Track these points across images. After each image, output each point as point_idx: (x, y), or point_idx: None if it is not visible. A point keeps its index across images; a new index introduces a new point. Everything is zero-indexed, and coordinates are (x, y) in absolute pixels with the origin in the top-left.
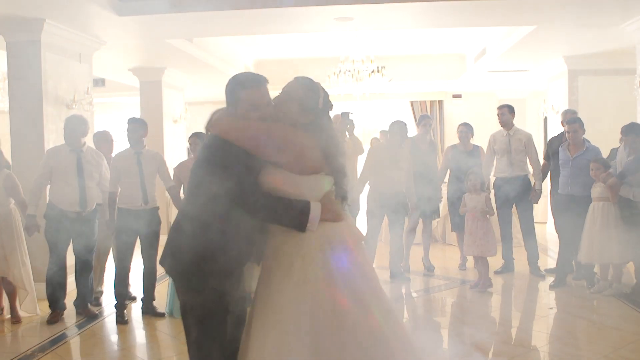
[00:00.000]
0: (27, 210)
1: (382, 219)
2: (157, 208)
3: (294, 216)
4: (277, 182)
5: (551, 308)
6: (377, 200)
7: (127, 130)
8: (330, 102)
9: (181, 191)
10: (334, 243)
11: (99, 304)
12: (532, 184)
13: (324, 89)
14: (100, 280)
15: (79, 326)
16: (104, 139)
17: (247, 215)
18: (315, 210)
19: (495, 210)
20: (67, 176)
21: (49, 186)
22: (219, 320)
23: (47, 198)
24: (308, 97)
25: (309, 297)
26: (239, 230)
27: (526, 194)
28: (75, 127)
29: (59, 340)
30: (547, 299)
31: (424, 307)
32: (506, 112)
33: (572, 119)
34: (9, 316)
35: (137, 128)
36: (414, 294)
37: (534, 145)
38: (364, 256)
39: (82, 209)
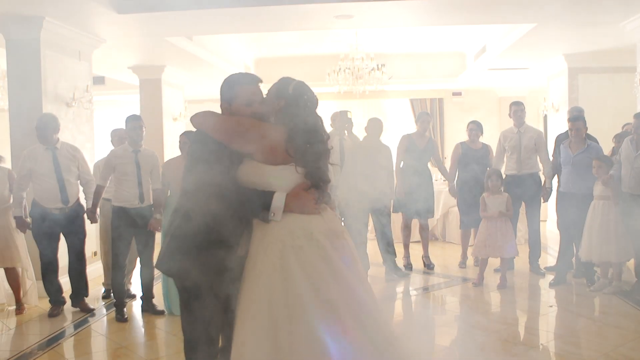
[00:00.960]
0: (13, 212)
1: (366, 218)
2: (152, 205)
3: (256, 207)
4: (247, 173)
5: (551, 306)
6: (358, 199)
7: (133, 128)
8: (307, 94)
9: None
10: (296, 234)
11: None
12: (543, 182)
13: (301, 83)
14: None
15: (79, 324)
16: (118, 137)
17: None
18: (278, 201)
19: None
20: (46, 174)
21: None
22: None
23: (32, 197)
24: (281, 84)
25: (264, 289)
26: (227, 221)
27: (536, 192)
28: (46, 125)
29: (59, 338)
30: (547, 296)
31: (424, 304)
32: (523, 109)
33: (574, 117)
34: (10, 308)
35: (142, 126)
36: (414, 292)
37: (544, 142)
38: (343, 252)
39: (64, 204)
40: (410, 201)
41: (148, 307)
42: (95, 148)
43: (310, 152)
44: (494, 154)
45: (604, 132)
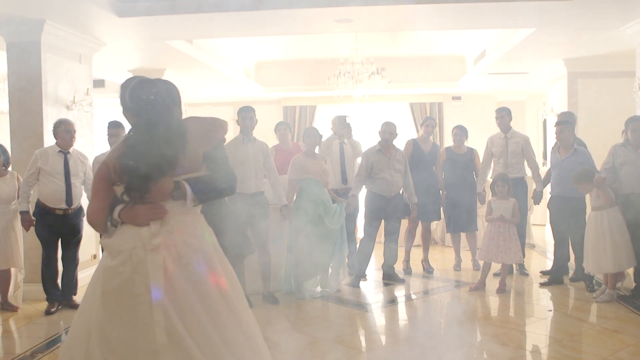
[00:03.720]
0: (19, 208)
1: (379, 222)
2: None
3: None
4: None
5: (550, 310)
6: (374, 203)
7: (110, 135)
8: (128, 94)
9: None
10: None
11: None
12: (534, 187)
13: (138, 81)
14: None
15: None
16: None
17: None
18: (114, 212)
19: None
20: (55, 176)
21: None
22: None
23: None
24: None
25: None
26: None
27: (522, 196)
28: (68, 128)
29: (59, 340)
30: (546, 301)
31: (423, 309)
32: (505, 115)
33: (560, 121)
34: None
35: (121, 132)
36: (413, 296)
37: (531, 147)
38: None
39: (68, 206)
40: (418, 204)
41: None
42: (95, 151)
43: (123, 166)
44: (482, 159)
45: (603, 136)
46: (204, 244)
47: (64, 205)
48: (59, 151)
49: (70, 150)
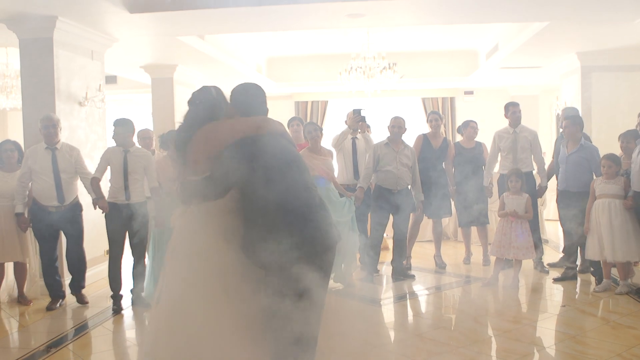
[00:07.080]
0: (14, 209)
1: (387, 216)
2: (144, 202)
3: None
4: None
5: (564, 306)
6: (380, 196)
7: (113, 132)
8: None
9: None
10: None
11: None
12: (539, 181)
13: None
14: None
15: (91, 322)
16: (147, 136)
17: None
18: None
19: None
20: (44, 174)
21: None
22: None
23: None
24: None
25: None
26: None
27: (531, 190)
28: (45, 124)
29: (73, 335)
30: (559, 296)
31: (435, 304)
32: (517, 111)
33: (568, 115)
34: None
35: (121, 131)
36: (425, 291)
37: (539, 143)
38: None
39: (60, 202)
40: (427, 201)
41: (138, 301)
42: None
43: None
44: (489, 153)
45: (617, 130)
46: (175, 237)
47: (55, 203)
48: (46, 148)
49: (58, 145)
